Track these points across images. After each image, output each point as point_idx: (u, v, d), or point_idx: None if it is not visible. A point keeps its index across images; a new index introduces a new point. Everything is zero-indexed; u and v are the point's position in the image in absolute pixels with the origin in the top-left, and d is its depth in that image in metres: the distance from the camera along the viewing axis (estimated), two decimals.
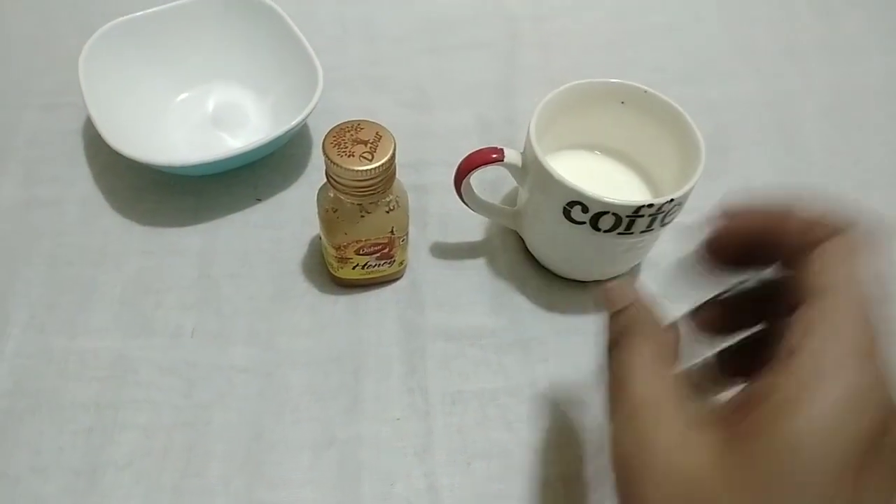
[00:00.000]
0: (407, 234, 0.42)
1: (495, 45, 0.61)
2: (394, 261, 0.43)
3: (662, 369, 0.27)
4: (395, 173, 0.38)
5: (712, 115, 0.57)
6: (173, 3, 0.52)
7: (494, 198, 0.50)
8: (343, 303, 0.44)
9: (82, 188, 0.49)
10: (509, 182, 0.48)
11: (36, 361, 0.41)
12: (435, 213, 0.49)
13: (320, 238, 0.44)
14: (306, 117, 0.46)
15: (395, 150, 0.36)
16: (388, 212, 0.39)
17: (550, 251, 0.45)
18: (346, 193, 0.37)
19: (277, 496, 0.37)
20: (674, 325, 0.30)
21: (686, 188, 0.38)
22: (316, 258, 0.46)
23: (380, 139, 0.36)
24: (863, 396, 0.22)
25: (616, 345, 0.28)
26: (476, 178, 0.43)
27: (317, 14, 0.61)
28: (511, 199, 0.50)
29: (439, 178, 0.50)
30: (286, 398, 0.41)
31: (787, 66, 0.62)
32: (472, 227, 0.49)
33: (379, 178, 0.36)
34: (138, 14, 0.51)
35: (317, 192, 0.41)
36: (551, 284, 0.46)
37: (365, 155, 0.36)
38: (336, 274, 0.44)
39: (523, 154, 0.41)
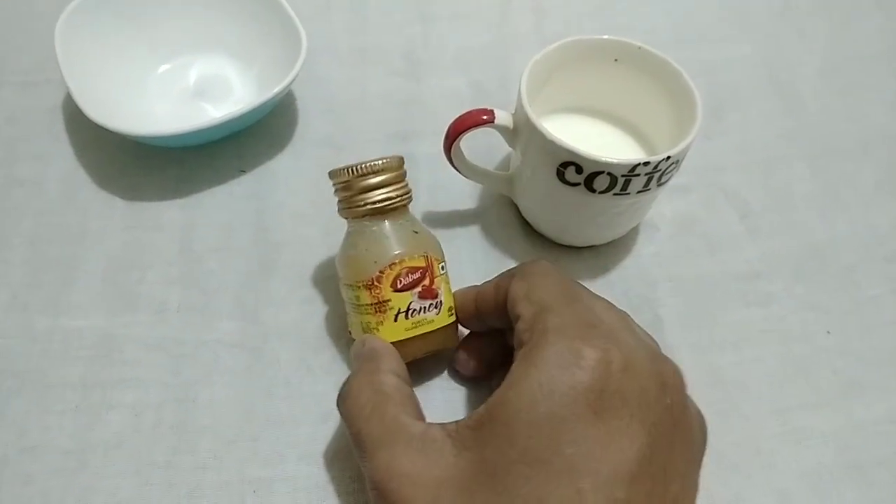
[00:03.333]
0: (445, 266, 0.37)
1: (486, 11, 0.60)
2: (441, 304, 0.36)
3: (386, 408, 0.30)
4: (410, 192, 0.37)
5: (707, 76, 0.56)
6: None
7: (488, 165, 0.49)
8: (331, 276, 0.43)
9: (63, 165, 0.48)
10: (502, 149, 0.47)
11: (19, 341, 0.40)
12: (426, 184, 0.48)
13: (349, 331, 0.39)
14: (289, 84, 0.45)
15: (403, 159, 0.37)
16: (415, 232, 0.37)
17: (545, 216, 0.44)
18: (366, 209, 0.36)
19: (272, 472, 0.36)
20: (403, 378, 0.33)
21: (683, 145, 0.37)
22: (302, 230, 0.45)
23: (383, 158, 0.36)
24: (554, 378, 0.27)
25: (340, 397, 0.32)
26: (468, 147, 0.42)
27: None
28: (504, 167, 0.49)
29: (430, 148, 0.48)
30: (276, 373, 0.40)
31: (783, 27, 0.61)
32: (465, 195, 0.48)
33: (394, 174, 0.36)
34: None
35: (336, 261, 0.38)
36: (547, 252, 0.45)
37: (374, 162, 0.36)
38: (379, 336, 0.36)
39: (515, 115, 0.40)
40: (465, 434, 0.28)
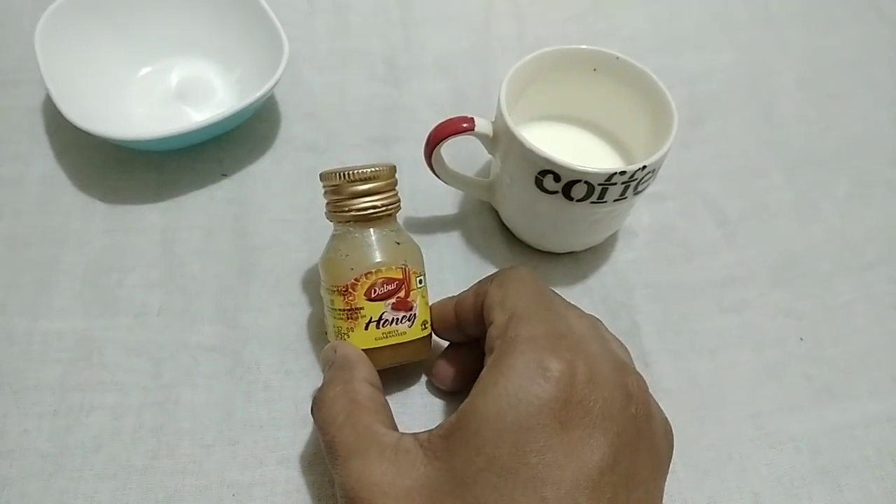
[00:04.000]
0: (424, 279, 0.37)
1: (468, 17, 0.60)
2: (414, 317, 0.36)
3: (360, 417, 0.31)
4: (399, 201, 0.37)
5: (687, 85, 0.57)
6: None
7: (469, 171, 0.50)
8: (312, 280, 0.44)
9: (42, 167, 0.47)
10: (483, 156, 0.47)
11: None
12: (406, 190, 0.47)
13: (326, 331, 0.39)
14: (271, 88, 0.45)
15: (395, 168, 0.37)
16: (398, 244, 0.36)
17: (524, 223, 0.44)
18: (354, 214, 0.36)
19: (251, 475, 0.37)
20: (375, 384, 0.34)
21: (658, 154, 0.38)
22: (283, 235, 0.45)
23: (376, 165, 0.36)
24: (521, 388, 0.27)
25: (314, 404, 0.33)
26: (449, 154, 0.43)
27: None
28: (485, 174, 0.50)
29: (411, 153, 0.49)
30: (256, 377, 0.40)
31: (763, 36, 0.61)
32: (446, 201, 0.48)
33: (384, 182, 0.36)
34: None
35: (320, 263, 0.38)
36: (527, 258, 0.46)
37: (365, 170, 0.36)
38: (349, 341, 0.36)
39: (494, 123, 0.41)
40: (435, 443, 0.29)
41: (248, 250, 0.45)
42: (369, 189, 0.36)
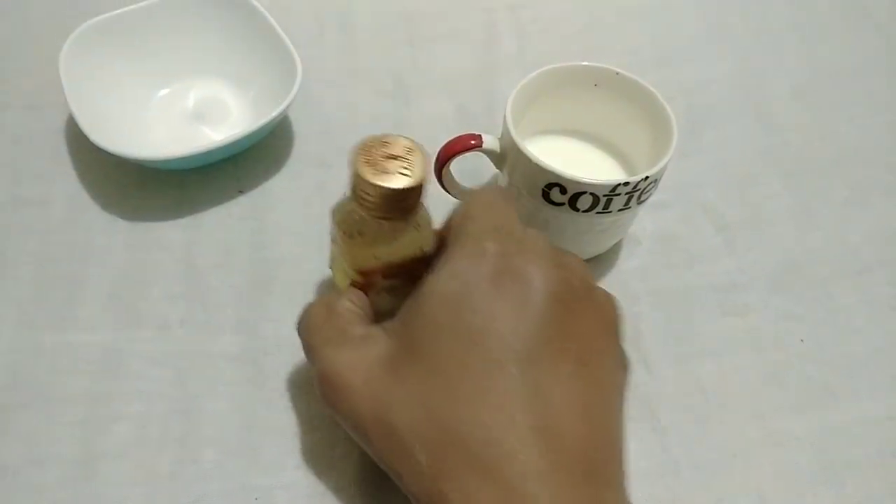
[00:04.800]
0: (432, 247, 0.38)
1: (472, 35, 0.62)
2: (419, 278, 0.38)
3: (336, 322, 0.34)
4: (423, 190, 0.35)
5: (686, 96, 0.58)
6: (151, 0, 0.52)
7: (476, 184, 0.51)
8: (327, 290, 0.45)
9: (66, 186, 0.49)
10: (489, 170, 0.49)
11: (28, 357, 0.41)
12: None
13: (330, 265, 0.41)
14: (286, 109, 0.47)
15: (427, 160, 0.34)
16: (416, 228, 0.36)
17: None
18: (382, 214, 0.34)
19: (273, 480, 0.38)
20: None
21: (660, 165, 0.39)
22: (299, 248, 0.47)
23: (411, 152, 0.33)
24: (462, 265, 0.31)
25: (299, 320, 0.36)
26: (456, 167, 0.44)
27: (293, 7, 0.61)
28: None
29: None
30: (276, 384, 0.41)
31: (759, 48, 0.63)
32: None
33: (418, 194, 0.34)
34: (117, 12, 0.51)
35: (330, 211, 0.38)
36: None
37: (402, 171, 0.32)
38: None
39: (501, 139, 0.42)
40: (395, 324, 0.32)
41: (266, 263, 0.46)
42: (403, 198, 0.33)
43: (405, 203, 0.33)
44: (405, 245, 0.36)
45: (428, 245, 0.37)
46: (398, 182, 0.32)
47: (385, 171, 0.32)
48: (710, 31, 0.64)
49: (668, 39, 0.63)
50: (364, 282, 0.37)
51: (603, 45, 0.62)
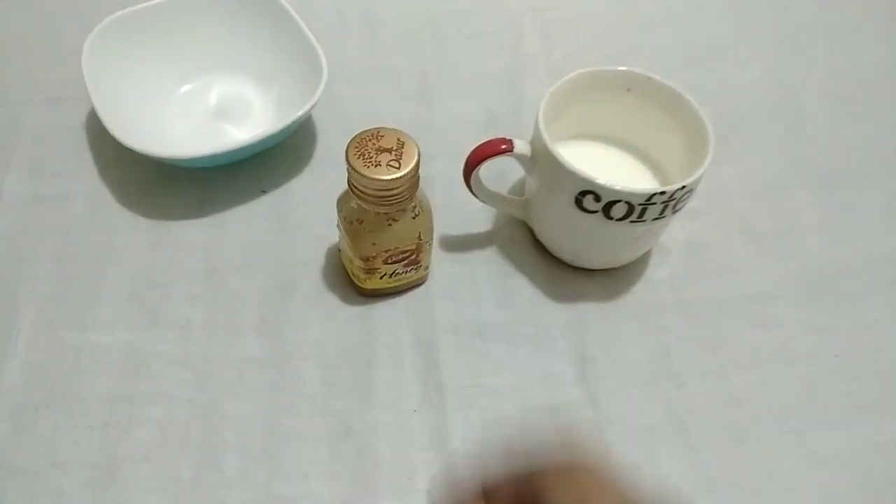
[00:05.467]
0: (432, 239, 0.42)
1: (498, 36, 0.60)
2: (420, 266, 0.43)
3: None
4: (419, 178, 0.37)
5: (714, 101, 0.56)
6: None
7: (501, 188, 0.50)
8: (351, 295, 0.44)
9: (87, 183, 0.48)
10: (516, 171, 0.48)
11: (48, 356, 0.41)
12: (441, 205, 0.48)
13: (339, 250, 0.44)
14: (311, 108, 0.46)
15: (419, 155, 0.36)
16: (413, 217, 0.39)
17: (561, 240, 0.45)
18: (374, 203, 0.36)
19: (296, 489, 0.37)
20: None
21: (697, 174, 0.38)
22: (322, 250, 0.46)
23: (403, 145, 0.36)
24: None
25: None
26: (482, 169, 0.43)
27: (315, 3, 0.60)
28: (518, 188, 0.50)
29: (444, 170, 0.49)
30: (299, 390, 0.40)
31: (790, 53, 0.62)
32: (480, 218, 0.49)
33: (406, 185, 0.36)
34: (139, 7, 0.50)
35: (336, 201, 0.40)
36: (561, 273, 0.46)
37: (392, 163, 0.35)
38: (363, 286, 0.43)
39: (532, 144, 0.41)
40: None
41: (288, 265, 0.45)
42: (395, 193, 0.36)
43: (397, 193, 0.36)
44: (403, 233, 0.39)
45: (427, 233, 0.41)
46: (387, 174, 0.35)
47: (376, 164, 0.35)
48: (739, 34, 0.63)
49: (696, 42, 0.62)
50: (366, 267, 0.40)
51: (629, 48, 0.61)
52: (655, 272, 0.47)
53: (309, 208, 0.48)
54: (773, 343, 0.45)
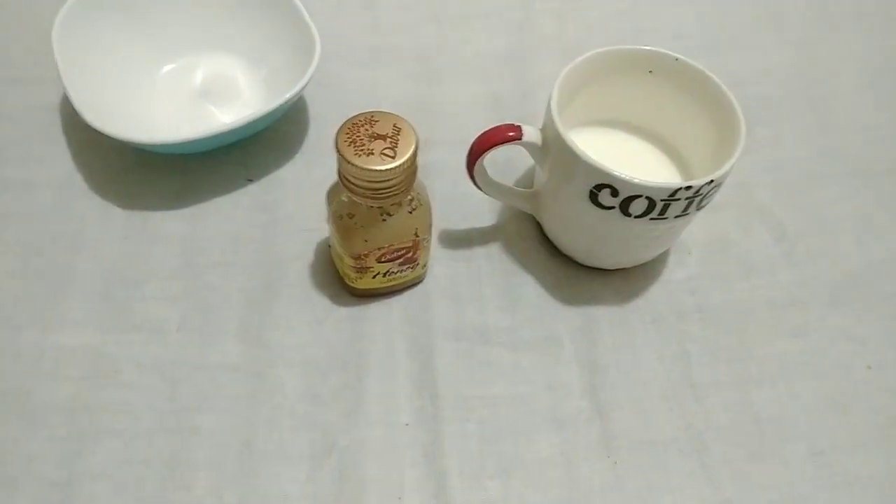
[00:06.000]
0: (430, 235, 0.38)
1: (506, 14, 0.57)
2: (417, 264, 0.39)
3: None
4: (416, 169, 0.34)
5: (738, 87, 0.52)
6: None
7: (508, 178, 0.47)
8: (342, 295, 0.41)
9: (58, 169, 0.45)
10: (524, 161, 0.44)
11: (4, 359, 0.38)
12: (441, 196, 0.45)
13: (329, 246, 0.40)
14: (302, 89, 0.43)
15: (417, 143, 0.32)
16: (410, 212, 0.35)
17: (572, 238, 0.41)
18: (366, 196, 0.33)
19: None
20: None
21: (726, 167, 0.35)
22: (311, 245, 0.43)
23: (399, 132, 0.32)
24: None
25: None
26: (488, 157, 0.40)
27: None
28: (527, 180, 0.47)
29: (446, 157, 0.46)
30: (281, 401, 0.37)
31: (818, 36, 0.58)
32: (483, 211, 0.45)
33: (402, 177, 0.32)
34: None
35: (326, 193, 0.37)
36: (572, 273, 0.43)
37: (386, 152, 0.31)
38: (354, 285, 0.39)
39: (543, 131, 0.38)
40: None
41: (275, 262, 0.42)
42: (390, 185, 0.32)
43: (392, 185, 0.32)
44: (398, 229, 0.36)
45: (424, 229, 0.37)
46: (379, 164, 0.31)
47: (368, 153, 0.31)
48: (765, 15, 0.59)
49: (718, 24, 0.58)
50: (358, 266, 0.37)
51: (647, 29, 0.57)
52: (674, 273, 0.43)
53: (299, 199, 0.45)
54: (800, 353, 0.41)
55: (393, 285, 0.40)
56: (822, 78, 0.55)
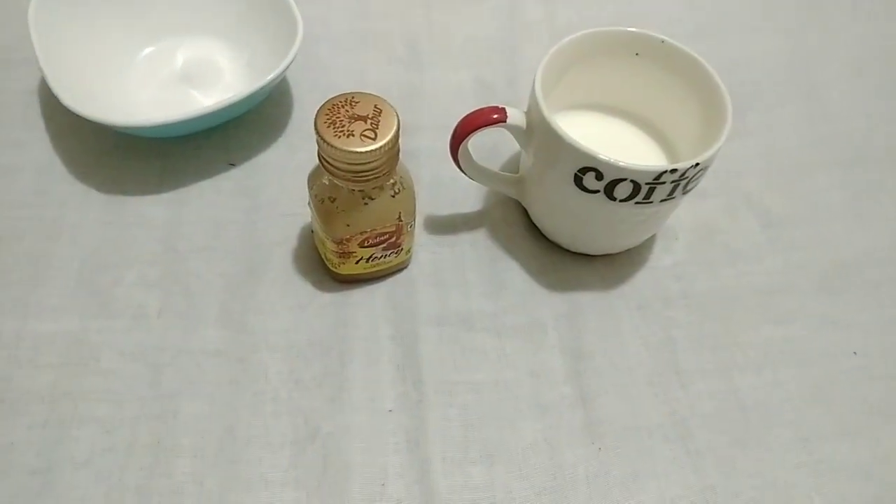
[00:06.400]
0: (415, 219, 0.38)
1: None
2: (401, 249, 0.39)
3: None
4: (399, 151, 0.33)
5: (729, 73, 0.51)
6: None
7: (494, 164, 0.46)
8: (325, 281, 0.40)
9: (36, 153, 0.44)
10: (510, 145, 0.44)
11: None
12: (426, 182, 0.45)
13: (312, 231, 0.40)
14: (284, 71, 0.42)
15: (399, 124, 0.32)
16: (393, 196, 0.35)
17: (558, 223, 0.41)
18: (347, 180, 0.32)
19: (255, 498, 0.34)
20: None
21: (712, 151, 0.34)
22: (294, 230, 0.42)
23: (380, 113, 0.32)
24: None
25: None
26: (473, 142, 0.39)
27: None
28: (513, 164, 0.46)
29: (432, 142, 0.46)
30: (263, 386, 0.37)
31: (813, 22, 0.57)
32: (469, 196, 0.45)
33: (384, 159, 0.32)
34: None
35: (307, 177, 0.36)
36: (558, 259, 0.42)
37: (366, 133, 0.31)
38: (337, 271, 0.39)
39: (527, 114, 0.37)
40: None
41: (257, 247, 0.42)
42: (371, 167, 0.32)
43: (373, 168, 0.32)
44: (381, 213, 0.35)
45: (408, 213, 0.36)
46: (360, 145, 0.31)
47: (349, 134, 0.31)
48: (757, 2, 0.58)
49: (709, 9, 0.57)
50: (340, 251, 0.36)
51: (637, 13, 0.57)
52: (660, 259, 0.43)
53: (282, 184, 0.44)
54: (786, 339, 0.41)
55: (377, 271, 0.40)
56: (814, 66, 0.55)
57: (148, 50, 0.48)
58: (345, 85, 0.50)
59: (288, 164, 0.45)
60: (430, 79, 0.51)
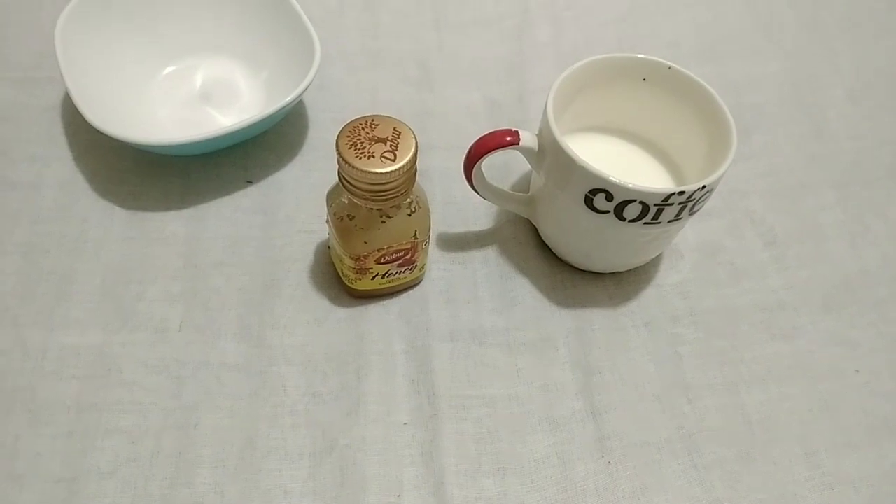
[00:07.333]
0: (429, 237, 0.39)
1: (504, 21, 0.57)
2: (415, 266, 0.40)
3: None
4: (416, 172, 0.34)
5: (732, 95, 0.54)
6: None
7: (505, 182, 0.47)
8: (341, 296, 0.41)
9: (60, 170, 0.45)
10: (521, 166, 0.45)
11: (10, 358, 0.38)
12: (439, 200, 0.46)
13: (329, 247, 0.41)
14: (302, 93, 0.43)
15: (417, 146, 0.33)
16: (409, 214, 0.36)
17: (568, 241, 0.42)
18: (366, 199, 0.33)
19: None
20: None
21: (718, 173, 0.35)
22: (311, 247, 0.43)
23: (399, 135, 0.33)
24: None
25: None
26: (485, 161, 0.40)
27: None
28: (522, 184, 0.47)
29: (444, 162, 0.47)
30: (282, 399, 0.38)
31: (811, 44, 0.59)
32: (480, 215, 0.46)
33: (402, 179, 0.33)
34: None
35: (326, 194, 0.38)
36: (567, 276, 0.43)
37: (386, 155, 0.32)
38: (353, 287, 0.40)
39: (539, 136, 0.38)
40: None
41: (275, 263, 0.42)
42: (390, 188, 0.33)
43: (392, 188, 0.33)
44: (397, 231, 0.36)
45: (423, 231, 0.38)
46: (380, 166, 0.32)
47: (369, 156, 0.32)
48: (758, 25, 0.60)
49: (712, 33, 0.59)
50: (357, 267, 0.37)
51: (642, 36, 0.58)
52: (666, 277, 0.44)
53: (298, 201, 0.45)
54: (791, 356, 0.42)
55: (391, 287, 0.41)
56: (815, 87, 0.56)
57: (168, 69, 0.49)
58: (357, 104, 0.51)
59: (304, 181, 0.46)
60: (441, 99, 0.52)
